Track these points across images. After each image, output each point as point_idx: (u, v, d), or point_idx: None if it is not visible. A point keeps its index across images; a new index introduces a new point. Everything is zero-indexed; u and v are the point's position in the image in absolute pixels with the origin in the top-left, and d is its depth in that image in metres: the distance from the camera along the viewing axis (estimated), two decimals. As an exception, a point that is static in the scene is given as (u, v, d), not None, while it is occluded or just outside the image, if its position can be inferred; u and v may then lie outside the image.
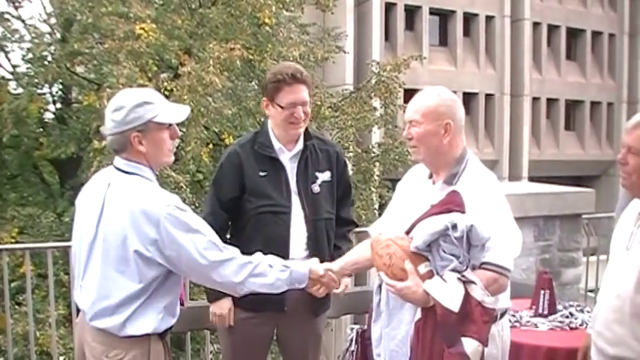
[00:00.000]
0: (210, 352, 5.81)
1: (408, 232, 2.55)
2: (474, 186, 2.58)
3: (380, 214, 13.37)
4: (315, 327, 3.44)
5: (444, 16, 25.46)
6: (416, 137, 2.67)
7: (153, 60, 10.40)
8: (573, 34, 28.50)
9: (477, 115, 25.37)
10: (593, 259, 5.96)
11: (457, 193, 2.53)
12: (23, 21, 11.47)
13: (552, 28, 27.75)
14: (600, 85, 29.01)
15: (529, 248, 5.21)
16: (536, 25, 27.08)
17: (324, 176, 3.33)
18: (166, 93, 10.22)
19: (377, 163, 13.62)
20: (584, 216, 5.64)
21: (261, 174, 3.25)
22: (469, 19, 25.73)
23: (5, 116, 10.10)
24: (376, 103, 13.73)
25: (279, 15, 11.54)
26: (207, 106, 9.63)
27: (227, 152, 3.47)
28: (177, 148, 9.54)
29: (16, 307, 8.11)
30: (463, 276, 2.40)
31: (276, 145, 3.28)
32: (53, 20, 11.43)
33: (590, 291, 5.78)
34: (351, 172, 13.51)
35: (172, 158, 2.80)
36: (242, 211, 3.30)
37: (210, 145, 10.92)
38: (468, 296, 2.38)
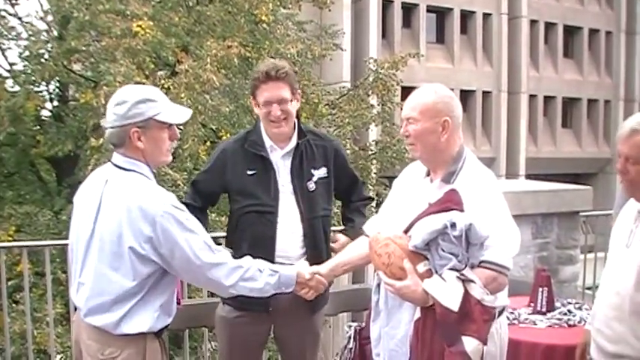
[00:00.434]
0: (208, 350, 5.80)
1: (406, 231, 2.54)
2: (472, 184, 2.57)
3: (377, 212, 13.41)
4: (311, 325, 3.42)
5: (441, 14, 25.46)
6: (413, 135, 2.66)
7: (150, 58, 10.37)
8: (570, 31, 28.51)
9: (474, 113, 25.38)
10: (590, 256, 5.96)
11: (455, 192, 2.53)
12: (20, 18, 11.44)
13: (549, 26, 27.77)
14: (597, 83, 29.04)
15: (527, 246, 5.21)
16: (533, 22, 27.10)
17: (320, 173, 3.30)
18: (163, 91, 10.21)
19: (374, 161, 13.60)
20: (581, 213, 5.65)
21: (249, 173, 3.24)
22: (466, 16, 25.74)
23: (2, 114, 10.07)
24: (373, 100, 13.72)
25: (276, 12, 11.52)
26: (204, 104, 9.62)
27: (217, 148, 3.51)
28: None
29: (14, 305, 8.10)
30: (462, 275, 2.40)
31: (268, 143, 3.27)
32: (50, 18, 11.38)
33: (588, 288, 5.79)
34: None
35: (170, 158, 2.81)
36: (231, 210, 3.34)
37: (208, 143, 10.90)
38: (467, 295, 2.38)
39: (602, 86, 29.15)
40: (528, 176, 24.13)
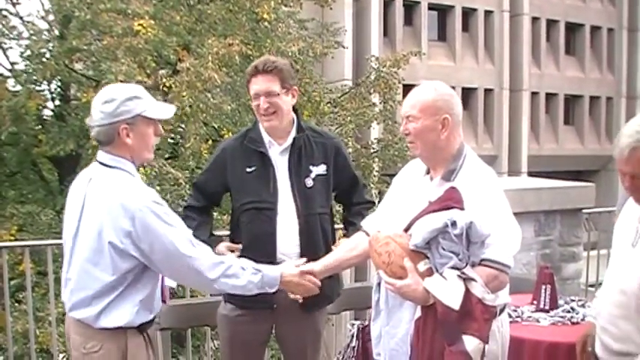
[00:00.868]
0: (211, 349, 5.81)
1: (406, 230, 2.53)
2: (473, 182, 2.56)
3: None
4: (313, 323, 3.41)
5: (442, 11, 25.43)
6: (413, 132, 2.64)
7: (151, 56, 10.38)
8: (572, 28, 28.48)
9: (475, 111, 25.37)
10: (593, 253, 5.96)
11: (455, 190, 2.51)
12: (21, 18, 11.44)
13: (551, 23, 27.74)
14: (599, 80, 29.01)
15: (530, 243, 5.21)
16: (535, 19, 27.07)
17: (319, 170, 3.29)
18: (165, 89, 10.21)
19: (376, 159, 13.60)
20: (584, 211, 5.64)
21: (249, 170, 3.25)
22: (468, 14, 25.71)
23: (4, 114, 10.08)
24: (375, 98, 13.71)
25: (277, 10, 11.51)
26: (206, 102, 9.61)
27: (218, 147, 3.55)
28: (176, 144, 9.50)
29: (16, 305, 8.10)
30: (463, 273, 2.38)
31: (266, 139, 3.28)
32: (51, 17, 11.38)
33: (591, 286, 5.78)
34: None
35: (152, 155, 2.87)
36: (232, 208, 3.35)
37: (210, 141, 10.90)
38: (468, 294, 2.37)
39: (604, 83, 29.12)
40: (530, 174, 24.09)
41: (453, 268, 2.39)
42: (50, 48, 10.56)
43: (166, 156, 10.63)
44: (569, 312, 3.71)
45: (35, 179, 12.18)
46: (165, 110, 2.82)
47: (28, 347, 5.10)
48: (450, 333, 2.37)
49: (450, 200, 2.48)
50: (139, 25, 9.58)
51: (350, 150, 12.55)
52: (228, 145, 3.42)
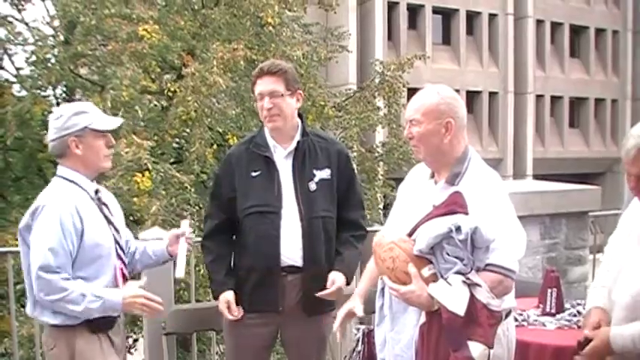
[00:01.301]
0: (216, 353, 5.80)
1: (410, 235, 2.52)
2: (477, 186, 2.55)
3: (385, 214, 13.35)
4: (317, 328, 3.39)
5: (446, 15, 25.46)
6: (417, 136, 2.65)
7: (156, 61, 10.37)
8: (577, 31, 28.48)
9: (480, 114, 25.36)
10: (599, 256, 5.92)
11: (460, 194, 2.51)
12: (26, 24, 11.45)
13: (555, 26, 27.74)
14: (604, 82, 28.98)
15: (535, 247, 5.20)
16: (539, 22, 27.08)
17: (323, 174, 3.28)
18: (170, 94, 10.22)
19: (381, 163, 13.58)
20: (590, 213, 5.62)
21: (253, 174, 3.26)
22: (472, 17, 25.73)
23: (9, 119, 10.08)
24: (380, 102, 13.70)
25: (282, 15, 11.50)
26: (211, 107, 9.61)
27: (226, 154, 3.56)
28: (181, 149, 9.47)
29: (22, 309, 8.10)
30: (468, 278, 2.38)
31: (271, 143, 3.29)
32: (56, 22, 11.39)
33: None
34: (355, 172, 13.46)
35: (109, 165, 3.10)
36: (237, 212, 3.33)
37: (215, 146, 10.90)
38: (473, 299, 2.36)
39: (609, 85, 29.09)
40: (535, 176, 24.07)
41: (457, 273, 2.38)
42: (55, 53, 10.56)
43: (171, 160, 10.61)
44: (575, 315, 3.69)
45: (40, 184, 12.15)
46: (110, 122, 3.04)
47: (34, 352, 5.10)
48: (455, 339, 2.36)
49: (454, 205, 2.47)
50: (144, 30, 9.58)
51: (354, 154, 12.53)
52: (234, 150, 3.44)
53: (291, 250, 3.20)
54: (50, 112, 10.95)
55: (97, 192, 3.03)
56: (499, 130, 26.18)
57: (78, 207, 2.88)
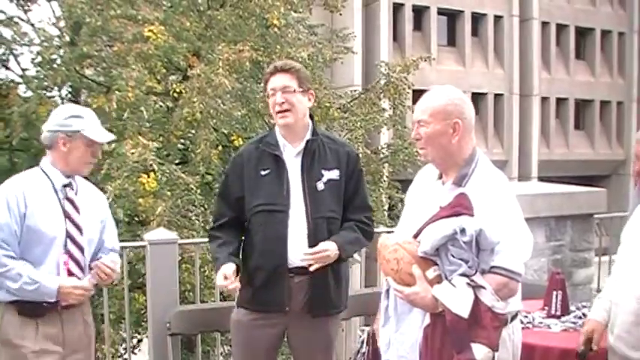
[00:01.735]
0: (221, 354, 5.81)
1: (415, 236, 2.52)
2: (484, 188, 2.55)
3: (390, 216, 13.32)
4: (323, 330, 3.40)
5: (452, 16, 25.43)
6: (424, 137, 2.65)
7: (162, 62, 10.38)
8: (582, 33, 28.41)
9: (485, 116, 25.32)
10: (605, 259, 5.93)
11: (465, 196, 2.51)
12: (32, 24, 11.46)
13: (561, 28, 27.68)
14: (610, 84, 28.91)
15: (540, 249, 5.19)
16: (544, 24, 27.02)
17: (331, 174, 3.30)
18: (175, 95, 10.22)
19: (386, 164, 13.57)
20: (595, 216, 5.61)
21: (263, 173, 3.29)
22: (477, 18, 25.69)
23: (15, 119, 10.09)
24: (385, 104, 13.69)
25: (287, 16, 11.49)
26: (216, 108, 9.60)
27: (236, 153, 3.59)
28: (186, 150, 9.47)
29: None
30: (472, 281, 2.37)
31: (282, 142, 3.33)
32: (62, 23, 11.39)
33: (602, 291, 5.74)
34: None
35: (87, 171, 3.33)
36: (245, 211, 3.35)
37: (220, 147, 10.91)
38: (477, 301, 2.35)
39: (614, 87, 29.01)
40: (541, 179, 24.02)
41: (462, 275, 2.38)
42: (61, 54, 10.58)
43: (177, 161, 10.62)
44: (580, 318, 3.69)
45: (46, 184, 12.21)
46: (103, 135, 3.26)
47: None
48: (458, 341, 2.36)
49: (460, 207, 2.47)
50: (150, 31, 9.58)
51: (360, 155, 12.52)
52: (244, 149, 3.48)
53: (298, 249, 3.20)
54: (56, 112, 10.85)
55: (66, 186, 3.19)
56: (504, 132, 26.13)
57: (26, 193, 3.09)
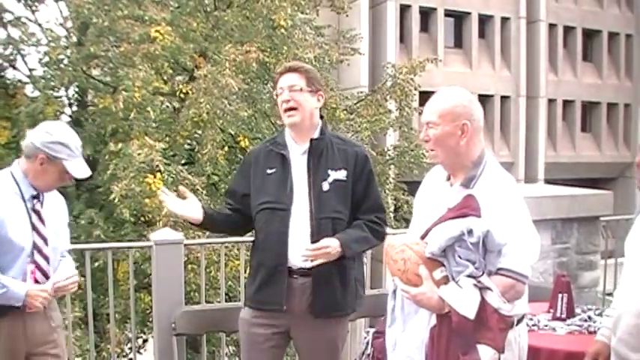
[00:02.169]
0: (226, 354, 5.81)
1: (423, 237, 2.53)
2: (492, 190, 2.55)
3: (395, 217, 13.29)
4: (326, 331, 3.38)
5: (459, 18, 25.39)
6: (433, 139, 2.66)
7: (168, 63, 10.41)
8: (589, 35, 28.32)
9: (492, 118, 25.27)
10: (611, 261, 5.91)
11: (473, 197, 2.51)
12: (40, 25, 11.50)
13: (568, 29, 27.60)
14: (617, 86, 28.81)
15: (546, 251, 5.18)
16: (551, 26, 26.95)
17: (338, 175, 3.28)
18: (182, 96, 10.24)
19: (392, 166, 13.57)
20: (602, 218, 5.60)
21: (269, 171, 3.32)
22: (484, 20, 25.65)
23: (22, 119, 10.12)
24: (391, 105, 13.69)
25: (294, 17, 11.50)
26: (222, 109, 9.62)
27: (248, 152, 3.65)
28: (192, 150, 9.50)
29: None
30: (479, 282, 2.37)
31: (289, 142, 3.35)
32: (70, 24, 11.43)
33: (609, 294, 5.73)
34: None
35: (48, 190, 3.30)
36: (251, 208, 3.38)
37: (226, 148, 10.92)
38: (484, 303, 2.35)
39: (621, 90, 28.92)
40: (547, 181, 23.97)
41: (469, 276, 2.38)
42: (68, 54, 10.60)
43: (183, 162, 10.65)
44: (585, 321, 3.69)
45: (52, 184, 12.24)
46: (81, 171, 3.24)
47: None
48: (464, 342, 2.36)
49: (467, 208, 2.47)
50: (156, 31, 9.60)
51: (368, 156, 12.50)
52: (254, 149, 3.55)
53: (300, 249, 3.20)
54: (62, 112, 11.01)
55: (34, 197, 3.22)
56: (511, 134, 26.08)
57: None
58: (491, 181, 2.60)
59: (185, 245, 4.56)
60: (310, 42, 12.22)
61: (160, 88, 10.49)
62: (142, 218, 9.64)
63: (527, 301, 2.66)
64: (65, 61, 10.52)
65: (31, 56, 11.51)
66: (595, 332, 3.48)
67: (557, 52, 27.26)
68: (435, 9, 24.36)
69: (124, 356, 9.76)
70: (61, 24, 11.66)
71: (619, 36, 28.74)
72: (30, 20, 11.42)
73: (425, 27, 24.51)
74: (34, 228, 3.19)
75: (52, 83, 10.64)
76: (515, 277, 2.46)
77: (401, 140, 14.20)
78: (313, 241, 3.19)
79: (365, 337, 3.02)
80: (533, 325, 3.61)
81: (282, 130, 3.44)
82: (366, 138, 12.31)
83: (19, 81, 11.79)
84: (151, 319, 9.03)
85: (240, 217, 3.43)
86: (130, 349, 9.35)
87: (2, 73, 11.81)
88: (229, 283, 8.28)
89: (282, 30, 11.04)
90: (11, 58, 11.51)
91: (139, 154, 8.55)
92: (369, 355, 3.00)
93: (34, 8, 11.59)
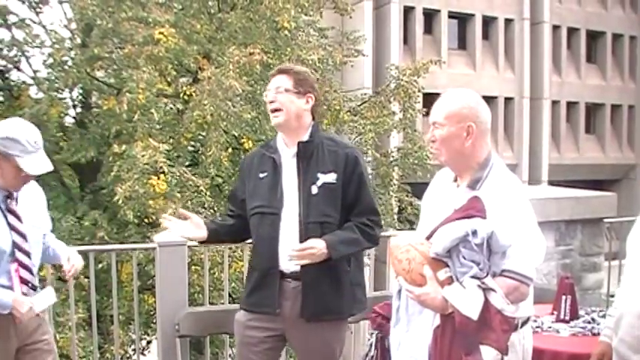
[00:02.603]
0: (229, 356, 5.82)
1: (428, 238, 2.53)
2: (498, 192, 2.55)
3: (399, 219, 13.26)
4: (321, 336, 3.32)
5: (462, 20, 25.40)
6: (439, 139, 2.67)
7: (172, 65, 10.43)
8: (593, 36, 28.32)
9: (496, 119, 25.25)
10: (615, 263, 5.90)
11: (478, 199, 2.51)
12: (44, 26, 11.53)
13: (572, 31, 27.60)
14: (621, 88, 28.80)
15: (550, 253, 5.18)
16: (555, 27, 26.94)
17: (328, 178, 3.22)
18: (186, 97, 10.26)
19: (396, 168, 13.56)
20: (605, 220, 5.60)
21: (261, 175, 3.31)
22: (488, 22, 25.65)
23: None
24: (395, 107, 13.69)
25: (298, 19, 11.52)
26: (226, 111, 9.63)
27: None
28: (196, 152, 9.49)
29: (37, 310, 8.14)
30: (483, 283, 2.37)
31: (281, 145, 3.33)
32: (74, 25, 11.46)
33: (612, 296, 5.73)
34: (370, 177, 13.44)
35: (15, 188, 3.17)
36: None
37: (230, 150, 10.94)
38: (487, 304, 2.35)
39: (625, 91, 28.90)
40: (551, 182, 23.95)
41: (473, 277, 2.38)
42: (72, 56, 10.63)
43: (187, 164, 10.67)
44: (589, 323, 3.69)
45: (56, 186, 12.26)
46: (38, 167, 3.09)
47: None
48: (467, 343, 2.36)
49: (472, 209, 2.47)
50: (160, 33, 9.62)
51: (369, 159, 12.52)
52: (250, 153, 3.56)
53: (288, 252, 3.15)
54: (67, 114, 11.04)
55: (8, 197, 3.16)
56: (514, 136, 26.08)
57: None
58: (497, 184, 2.60)
59: (189, 247, 4.56)
60: (314, 44, 12.24)
61: (163, 89, 10.51)
62: (146, 220, 9.66)
63: (532, 303, 2.66)
64: (69, 63, 10.55)
65: (35, 58, 11.55)
66: (599, 334, 3.49)
67: (560, 53, 27.25)
68: (439, 11, 24.38)
69: (127, 358, 9.77)
70: (65, 26, 11.69)
71: (623, 37, 28.72)
72: (34, 22, 11.46)
73: (429, 28, 24.53)
74: (12, 228, 3.16)
75: (56, 85, 10.67)
76: (520, 278, 2.46)
77: (405, 142, 14.19)
78: None
79: (369, 339, 3.02)
80: (537, 327, 3.61)
81: (276, 134, 3.42)
82: (369, 139, 12.32)
83: (24, 83, 11.83)
84: (154, 321, 9.05)
85: (243, 222, 3.40)
86: (134, 350, 9.37)
87: (7, 75, 11.85)
88: (233, 284, 8.28)
89: (286, 32, 11.06)
90: (15, 59, 11.55)
91: (142, 156, 8.57)
92: (372, 357, 2.99)
93: (38, 10, 11.63)
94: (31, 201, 3.34)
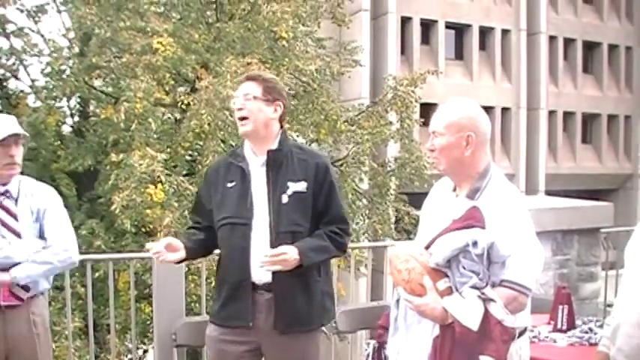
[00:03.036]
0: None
1: (427, 247, 2.53)
2: (497, 202, 2.57)
3: (396, 229, 13.24)
4: (296, 348, 3.25)
5: (459, 30, 25.45)
6: (438, 148, 2.69)
7: (170, 74, 10.44)
8: (590, 47, 28.38)
9: (493, 129, 24.95)
10: (612, 273, 5.91)
11: (477, 209, 2.52)
12: (42, 35, 11.55)
13: (568, 42, 27.65)
14: (617, 98, 28.85)
15: (547, 263, 5.18)
16: (552, 38, 27.00)
17: (297, 187, 3.18)
18: (183, 107, 10.27)
19: (393, 178, 13.57)
20: (602, 230, 5.60)
21: (229, 185, 3.24)
22: (485, 32, 25.70)
23: (24, 129, 10.17)
24: (392, 117, 13.70)
25: (295, 29, 11.55)
26: (224, 120, 9.64)
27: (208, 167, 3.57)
28: (194, 161, 9.49)
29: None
30: (483, 293, 2.38)
31: (248, 154, 3.27)
32: (72, 34, 11.48)
33: (610, 306, 5.73)
34: (367, 187, 13.46)
35: (11, 172, 3.29)
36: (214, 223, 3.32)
37: (227, 159, 10.94)
38: (487, 314, 2.36)
39: (622, 101, 28.95)
40: (548, 192, 23.98)
41: (473, 287, 2.39)
42: (70, 65, 10.64)
43: (184, 173, 10.66)
44: (586, 332, 3.69)
45: (53, 195, 12.26)
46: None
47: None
48: (467, 353, 2.36)
49: (472, 219, 2.48)
50: (158, 42, 9.64)
51: (366, 168, 12.53)
52: (215, 162, 3.50)
53: (259, 262, 3.10)
54: (64, 122, 11.06)
55: (2, 194, 3.22)
56: (511, 146, 26.10)
57: None
58: (496, 194, 2.61)
59: (186, 256, 4.54)
60: (311, 54, 12.27)
61: (161, 99, 10.52)
62: (143, 229, 9.65)
63: (529, 313, 2.66)
64: (67, 72, 10.57)
65: (33, 67, 11.57)
66: (596, 344, 3.49)
67: (557, 64, 27.31)
68: (436, 21, 24.42)
69: (124, 367, 9.75)
70: (63, 35, 11.71)
71: (619, 48, 28.79)
72: (32, 31, 11.47)
73: (426, 39, 24.57)
74: (4, 224, 3.18)
75: (54, 93, 10.68)
76: (518, 289, 2.47)
77: (402, 152, 14.20)
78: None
79: (365, 350, 3.01)
80: (534, 337, 3.60)
81: (243, 142, 3.35)
82: (367, 149, 12.32)
83: (22, 91, 11.84)
84: (151, 330, 9.02)
85: (212, 234, 3.33)
86: (131, 359, 9.35)
87: (5, 84, 11.86)
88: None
89: (284, 42, 11.09)
90: (14, 68, 11.56)
91: (140, 165, 8.57)
92: (370, 366, 2.99)
93: (36, 19, 11.64)
94: (40, 203, 3.38)
